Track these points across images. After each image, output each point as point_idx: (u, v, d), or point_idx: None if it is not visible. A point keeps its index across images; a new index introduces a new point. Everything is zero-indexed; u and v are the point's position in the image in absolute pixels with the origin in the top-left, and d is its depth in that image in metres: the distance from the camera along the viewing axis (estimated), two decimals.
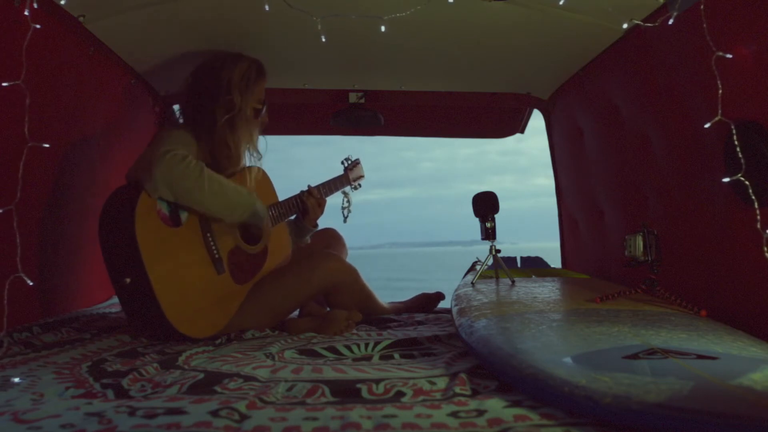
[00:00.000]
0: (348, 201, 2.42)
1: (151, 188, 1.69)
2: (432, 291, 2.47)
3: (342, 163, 2.49)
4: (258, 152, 2.08)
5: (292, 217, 2.20)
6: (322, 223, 2.27)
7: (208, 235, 1.83)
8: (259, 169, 2.11)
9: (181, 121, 2.02)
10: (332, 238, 2.38)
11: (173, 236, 1.75)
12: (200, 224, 1.82)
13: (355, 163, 2.49)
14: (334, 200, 2.39)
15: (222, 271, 1.85)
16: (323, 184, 2.34)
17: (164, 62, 2.28)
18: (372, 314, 2.19)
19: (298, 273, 2.02)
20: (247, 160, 2.06)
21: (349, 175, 2.45)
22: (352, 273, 2.15)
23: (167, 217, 1.74)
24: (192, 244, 1.80)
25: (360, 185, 2.51)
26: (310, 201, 2.17)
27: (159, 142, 1.79)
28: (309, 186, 2.20)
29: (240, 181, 1.97)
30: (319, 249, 2.24)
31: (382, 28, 1.80)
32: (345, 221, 2.42)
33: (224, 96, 1.92)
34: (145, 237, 1.65)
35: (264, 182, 2.12)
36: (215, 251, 1.84)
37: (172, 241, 1.74)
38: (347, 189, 2.44)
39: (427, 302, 2.42)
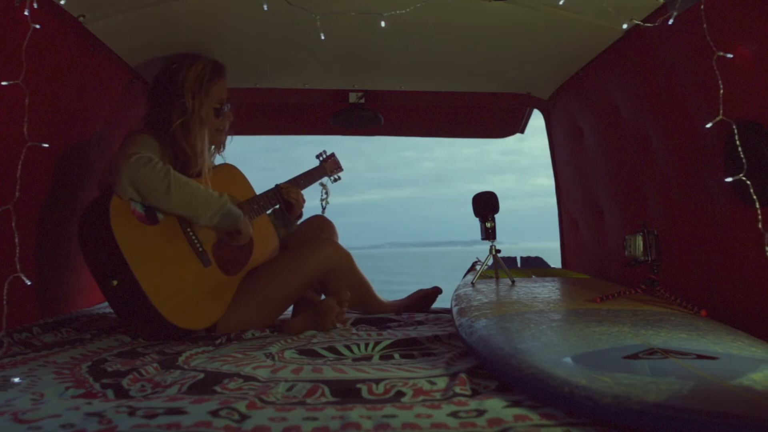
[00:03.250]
0: (326, 192, 2.45)
1: (120, 190, 1.69)
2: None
3: (317, 157, 2.50)
4: (220, 150, 2.09)
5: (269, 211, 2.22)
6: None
7: (189, 229, 1.83)
8: (230, 165, 2.12)
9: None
10: (322, 223, 2.39)
11: (153, 234, 1.74)
12: (179, 219, 1.82)
13: (330, 157, 2.51)
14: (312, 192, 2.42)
15: (208, 264, 1.85)
16: (301, 176, 2.36)
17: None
18: (368, 305, 2.20)
19: (293, 260, 2.02)
20: (218, 160, 2.08)
21: (325, 167, 2.47)
22: (347, 258, 2.15)
23: (143, 216, 1.73)
24: (173, 240, 1.79)
25: (339, 177, 2.54)
26: (292, 195, 2.20)
27: (125, 146, 1.79)
28: (280, 184, 2.22)
29: (210, 181, 1.94)
30: (311, 235, 2.25)
31: (382, 24, 1.80)
32: (323, 212, 2.44)
33: (178, 99, 1.92)
34: (124, 237, 1.65)
35: (237, 178, 2.13)
36: (198, 245, 1.84)
37: (153, 238, 1.74)
38: (325, 180, 2.47)
39: (425, 298, 2.42)
